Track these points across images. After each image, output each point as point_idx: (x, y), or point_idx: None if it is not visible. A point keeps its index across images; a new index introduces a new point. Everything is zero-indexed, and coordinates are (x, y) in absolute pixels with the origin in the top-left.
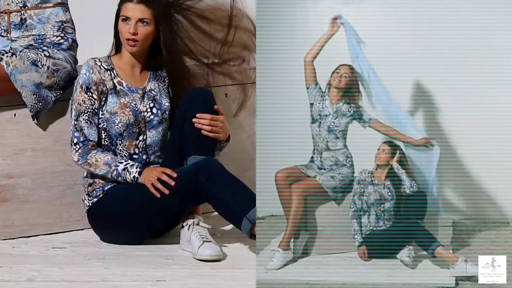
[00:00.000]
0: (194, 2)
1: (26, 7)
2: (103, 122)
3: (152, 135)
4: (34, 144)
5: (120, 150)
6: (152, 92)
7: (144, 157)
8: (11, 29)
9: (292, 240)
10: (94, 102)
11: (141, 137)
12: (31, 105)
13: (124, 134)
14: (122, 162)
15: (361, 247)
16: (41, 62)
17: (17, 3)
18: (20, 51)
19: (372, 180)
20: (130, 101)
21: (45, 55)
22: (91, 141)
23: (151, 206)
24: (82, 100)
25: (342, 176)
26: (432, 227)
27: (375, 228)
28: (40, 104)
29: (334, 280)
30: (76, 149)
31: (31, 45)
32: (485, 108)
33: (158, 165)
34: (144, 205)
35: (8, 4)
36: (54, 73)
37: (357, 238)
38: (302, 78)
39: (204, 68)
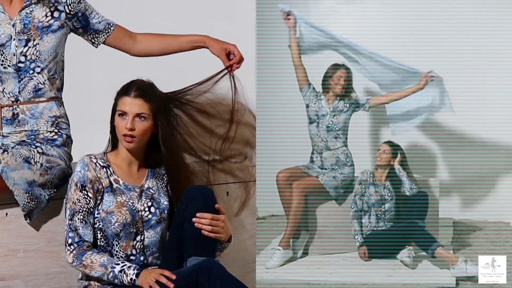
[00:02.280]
0: (194, 96)
1: (18, 102)
2: (99, 222)
3: (150, 235)
4: (27, 244)
5: (117, 251)
6: (150, 190)
7: (141, 258)
8: (3, 124)
9: (291, 241)
10: (90, 201)
11: (138, 237)
12: (24, 204)
13: (121, 234)
14: (118, 264)
15: (361, 247)
16: (34, 159)
17: (9, 97)
18: (12, 148)
19: (373, 181)
20: (127, 200)
21: (38, 152)
22: (86, 241)
23: None
24: (77, 199)
25: (344, 175)
26: (432, 227)
27: (375, 229)
28: (33, 203)
29: (334, 280)
30: (71, 250)
31: (24, 141)
32: (486, 108)
33: (157, 266)
34: None
35: None
36: (48, 170)
37: (357, 238)
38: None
39: (205, 165)
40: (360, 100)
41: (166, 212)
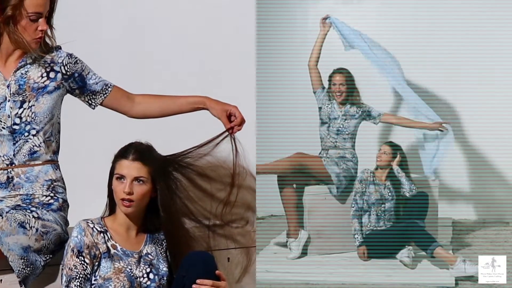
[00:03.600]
0: (194, 159)
1: (13, 165)
2: None
3: None
4: None
5: None
6: (149, 256)
7: None
8: None
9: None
10: (86, 267)
11: None
12: (19, 270)
13: None
14: None
15: (360, 247)
16: (29, 224)
17: (3, 161)
18: (7, 212)
19: (373, 180)
20: (125, 266)
21: (33, 217)
22: None
23: None
24: (74, 265)
25: (347, 166)
26: (432, 227)
27: (375, 228)
28: (28, 269)
29: (334, 280)
30: None
31: (19, 205)
32: (486, 109)
33: None
34: None
35: None
36: (43, 235)
37: (357, 237)
38: (302, 79)
39: (205, 230)
40: (372, 111)
41: (165, 278)
